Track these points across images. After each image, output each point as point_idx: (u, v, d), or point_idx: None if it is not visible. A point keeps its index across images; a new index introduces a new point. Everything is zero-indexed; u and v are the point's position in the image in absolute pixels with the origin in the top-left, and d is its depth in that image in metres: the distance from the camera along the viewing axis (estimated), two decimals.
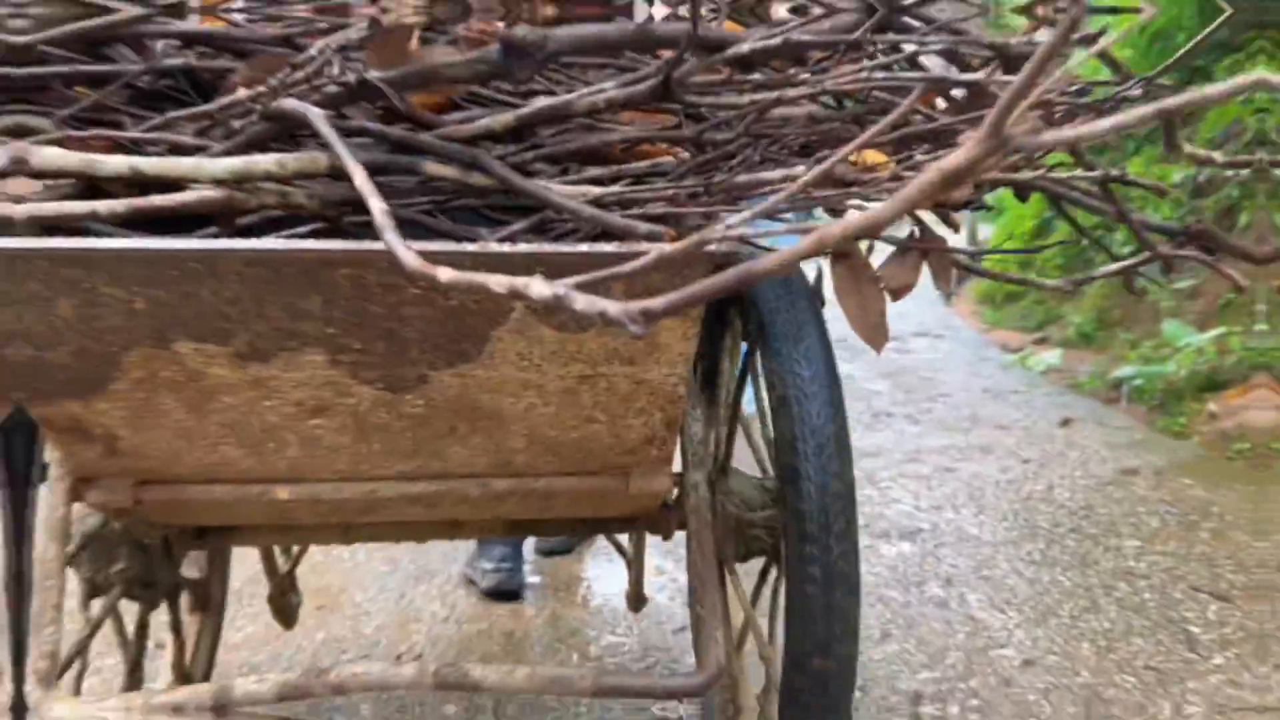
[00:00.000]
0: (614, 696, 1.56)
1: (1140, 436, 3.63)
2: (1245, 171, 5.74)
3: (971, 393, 4.55)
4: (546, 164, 0.96)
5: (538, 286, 0.52)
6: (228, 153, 0.86)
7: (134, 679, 1.40)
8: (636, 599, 1.69)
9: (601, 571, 2.37)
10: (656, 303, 0.48)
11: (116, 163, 0.83)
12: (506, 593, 2.17)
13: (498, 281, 0.56)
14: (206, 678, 1.56)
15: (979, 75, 0.99)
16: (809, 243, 0.46)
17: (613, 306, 0.48)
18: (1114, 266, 1.23)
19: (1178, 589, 2.15)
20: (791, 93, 0.94)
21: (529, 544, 2.34)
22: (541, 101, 0.93)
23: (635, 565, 1.69)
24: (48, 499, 1.13)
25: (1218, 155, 1.21)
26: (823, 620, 1.12)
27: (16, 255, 0.81)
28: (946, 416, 4.00)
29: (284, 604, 1.68)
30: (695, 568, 1.29)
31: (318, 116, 0.82)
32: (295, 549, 1.73)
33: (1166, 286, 6.01)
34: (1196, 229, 1.14)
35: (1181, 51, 2.23)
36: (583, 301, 0.50)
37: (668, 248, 0.57)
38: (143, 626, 1.42)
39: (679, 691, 1.31)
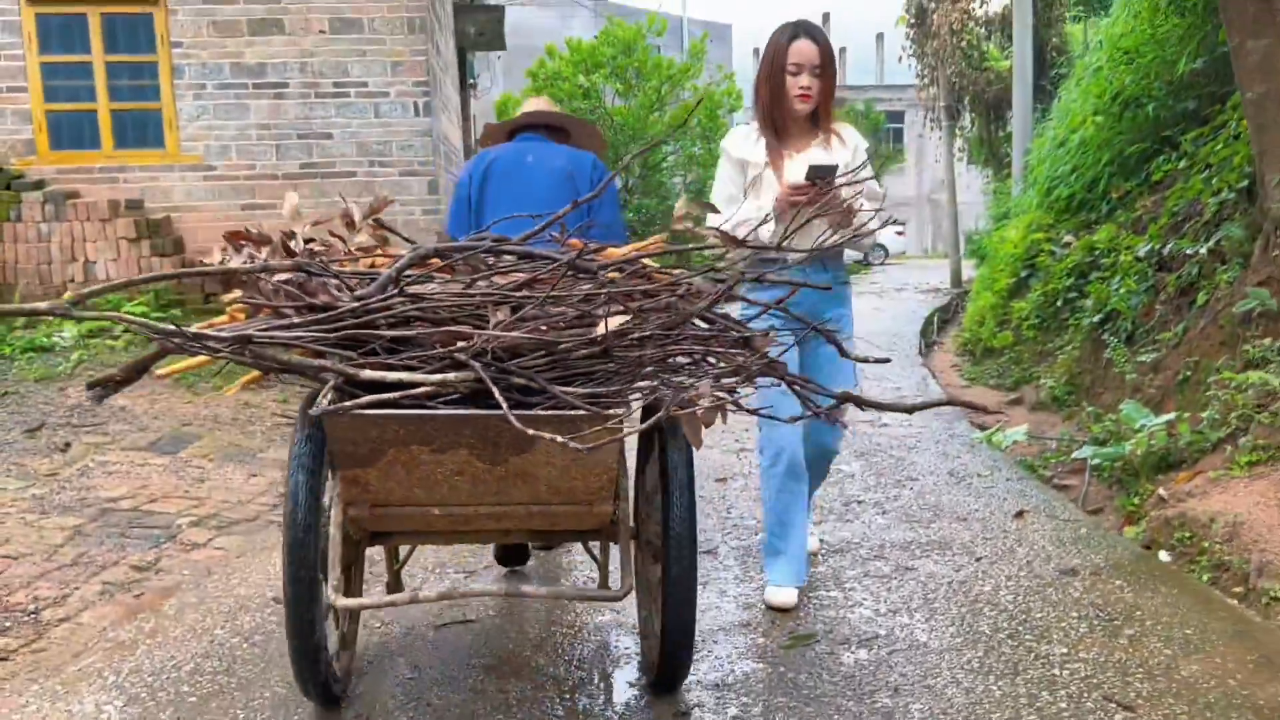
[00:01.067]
0: (559, 599, 3.13)
1: (1085, 531, 3.94)
2: (1204, 250, 6.14)
3: (938, 476, 4.87)
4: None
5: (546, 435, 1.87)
6: (435, 371, 2.03)
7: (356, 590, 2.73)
8: (604, 579, 2.68)
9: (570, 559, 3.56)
10: (586, 442, 1.88)
11: (391, 375, 2.02)
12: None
13: (532, 429, 1.88)
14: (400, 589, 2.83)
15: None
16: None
17: (572, 443, 1.86)
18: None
19: (1091, 698, 2.47)
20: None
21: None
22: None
23: (602, 558, 2.68)
24: (334, 509, 2.32)
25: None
26: (676, 581, 2.34)
27: (370, 417, 2.05)
28: (912, 505, 4.34)
29: (396, 584, 2.84)
30: (623, 551, 2.49)
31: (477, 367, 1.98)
32: (402, 555, 2.93)
33: (1132, 360, 6.38)
34: (841, 395, 2.33)
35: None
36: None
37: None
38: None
39: (606, 597, 2.51)
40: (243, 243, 2.35)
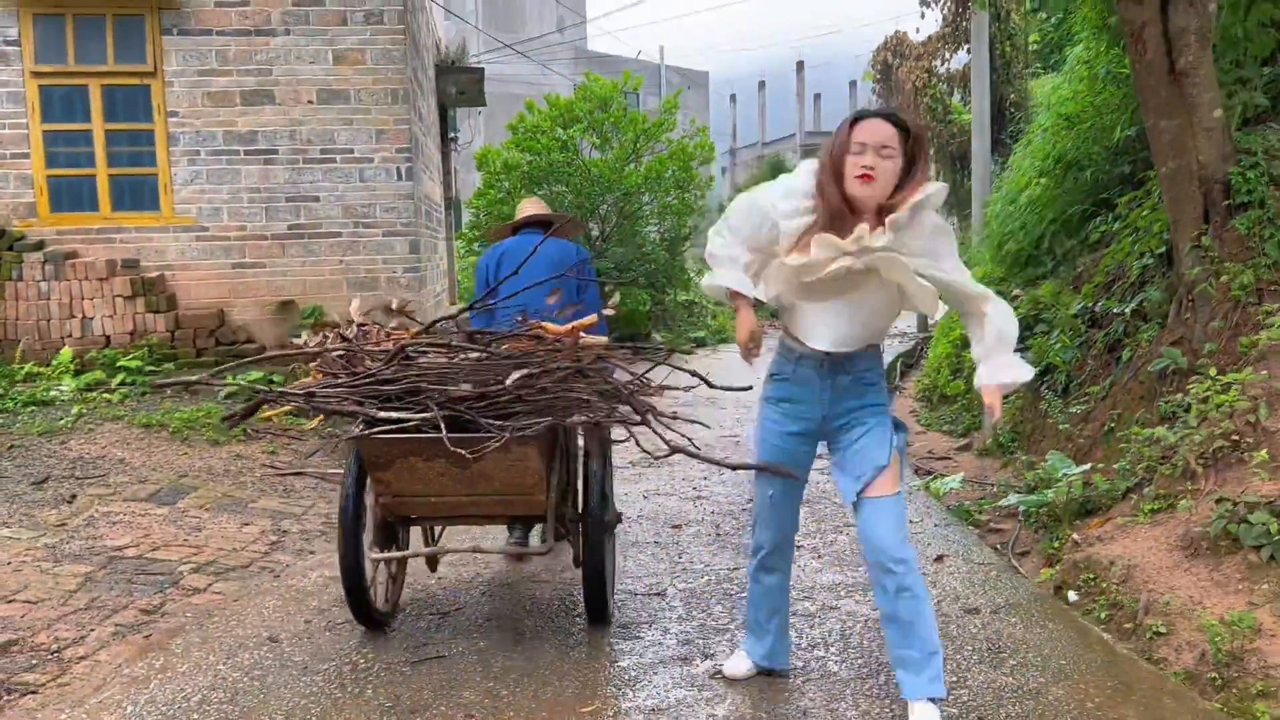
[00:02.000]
0: (507, 553, 4.21)
1: (995, 574, 4.41)
2: (1129, 310, 6.64)
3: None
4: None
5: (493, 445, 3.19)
6: (417, 412, 3.31)
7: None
8: (549, 546, 3.75)
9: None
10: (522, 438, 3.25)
11: (395, 415, 3.34)
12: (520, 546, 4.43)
13: (483, 444, 3.19)
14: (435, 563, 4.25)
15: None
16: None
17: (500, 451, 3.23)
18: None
19: (953, 706, 2.95)
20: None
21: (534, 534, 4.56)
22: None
23: (545, 529, 3.66)
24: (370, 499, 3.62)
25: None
26: (592, 546, 3.57)
27: (382, 440, 3.32)
28: (845, 550, 4.80)
29: (433, 561, 4.14)
30: (548, 525, 3.63)
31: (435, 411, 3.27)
32: (438, 536, 4.24)
33: (1065, 411, 6.85)
34: (672, 447, 3.42)
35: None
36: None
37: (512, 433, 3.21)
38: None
39: (537, 551, 3.85)
40: (322, 330, 3.95)
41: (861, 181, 2.69)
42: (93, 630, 3.74)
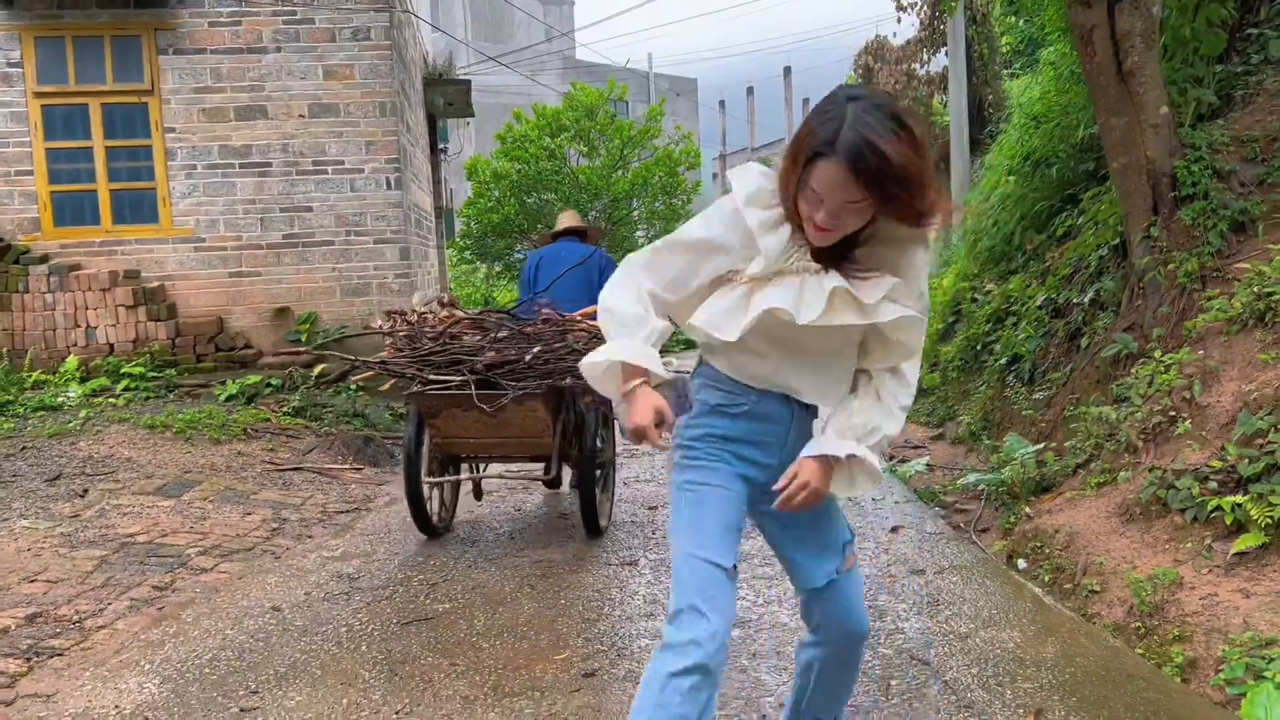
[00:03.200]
0: (518, 478, 5.51)
1: (945, 543, 4.75)
2: (1087, 300, 6.97)
3: (839, 501, 5.68)
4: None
5: (507, 399, 4.58)
6: (457, 374, 4.70)
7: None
8: (554, 482, 5.64)
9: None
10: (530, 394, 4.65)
11: (440, 377, 4.72)
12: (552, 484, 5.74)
13: (499, 399, 4.56)
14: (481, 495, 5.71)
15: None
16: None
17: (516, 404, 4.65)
18: None
19: (900, 658, 3.27)
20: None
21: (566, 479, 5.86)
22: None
23: (555, 466, 5.07)
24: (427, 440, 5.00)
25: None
26: (583, 477, 4.96)
27: (431, 394, 4.72)
28: None
29: (477, 488, 5.55)
30: (553, 459, 5.01)
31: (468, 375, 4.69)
32: (481, 471, 5.54)
33: (1029, 398, 7.18)
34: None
35: None
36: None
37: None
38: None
39: (542, 479, 5.26)
40: (394, 315, 5.06)
41: (819, 234, 1.96)
42: (110, 604, 4.07)
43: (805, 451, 2.08)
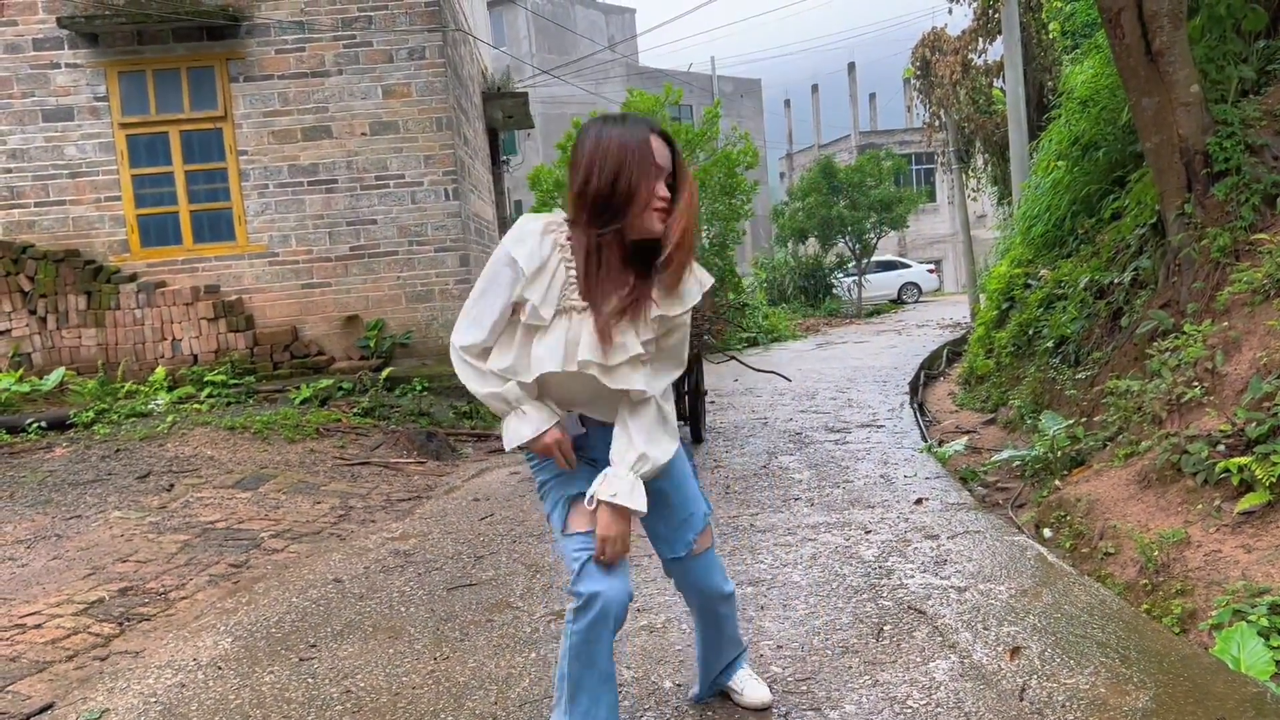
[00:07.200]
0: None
1: (965, 513, 4.95)
2: (1127, 279, 7.06)
3: (871, 479, 5.90)
4: None
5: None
6: None
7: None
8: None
9: None
10: None
11: None
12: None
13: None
14: None
15: None
16: None
17: None
18: None
19: (899, 608, 3.52)
20: None
21: None
22: None
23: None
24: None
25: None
26: (691, 392, 7.51)
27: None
28: (837, 499, 5.37)
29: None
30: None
31: None
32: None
33: (1072, 378, 7.28)
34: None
35: None
36: None
37: None
38: None
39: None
40: None
41: (660, 216, 2.08)
42: (191, 579, 4.53)
43: (596, 492, 2.28)
